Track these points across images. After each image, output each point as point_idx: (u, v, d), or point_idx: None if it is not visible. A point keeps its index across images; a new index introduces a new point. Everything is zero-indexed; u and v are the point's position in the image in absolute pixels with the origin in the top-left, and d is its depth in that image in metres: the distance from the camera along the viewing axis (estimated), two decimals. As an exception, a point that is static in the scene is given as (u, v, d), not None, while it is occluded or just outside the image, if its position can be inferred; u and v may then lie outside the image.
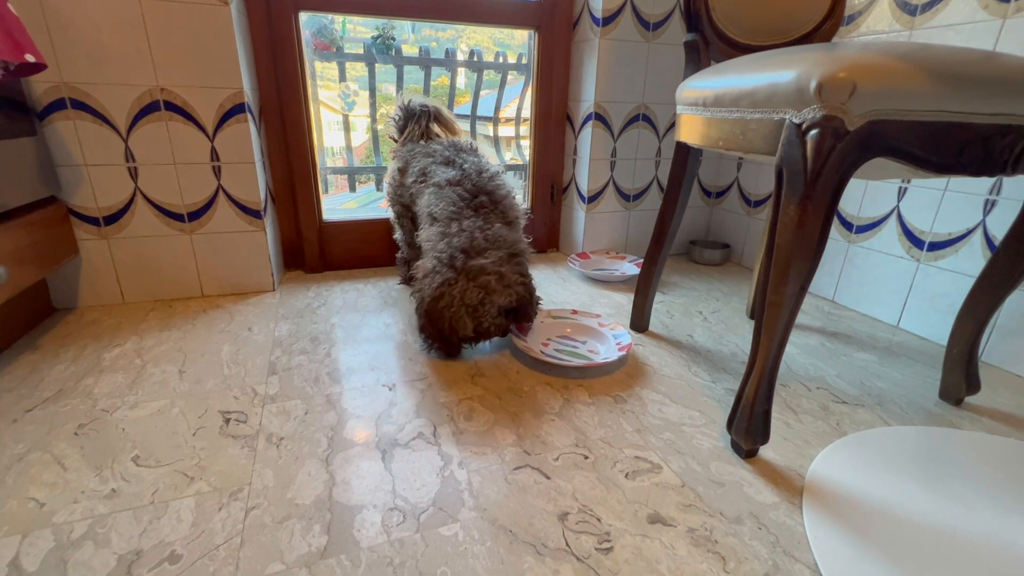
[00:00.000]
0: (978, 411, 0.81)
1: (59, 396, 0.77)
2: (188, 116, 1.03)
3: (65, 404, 0.75)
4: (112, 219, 1.05)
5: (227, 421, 0.72)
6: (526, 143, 1.56)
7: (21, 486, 0.60)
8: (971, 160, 0.56)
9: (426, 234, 0.92)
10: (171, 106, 1.02)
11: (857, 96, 0.50)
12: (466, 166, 0.99)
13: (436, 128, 1.19)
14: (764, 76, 0.60)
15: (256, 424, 0.72)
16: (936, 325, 1.03)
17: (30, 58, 0.79)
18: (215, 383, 0.82)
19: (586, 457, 0.67)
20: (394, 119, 1.19)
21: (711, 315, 1.14)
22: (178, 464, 0.64)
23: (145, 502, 0.58)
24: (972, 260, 0.96)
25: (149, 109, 1.01)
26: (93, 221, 1.04)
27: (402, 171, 1.11)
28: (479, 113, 1.90)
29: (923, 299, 1.05)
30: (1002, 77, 0.54)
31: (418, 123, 1.16)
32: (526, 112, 1.52)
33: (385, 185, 1.19)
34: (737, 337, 1.04)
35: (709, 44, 0.85)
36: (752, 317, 1.13)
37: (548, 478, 0.63)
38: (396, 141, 1.19)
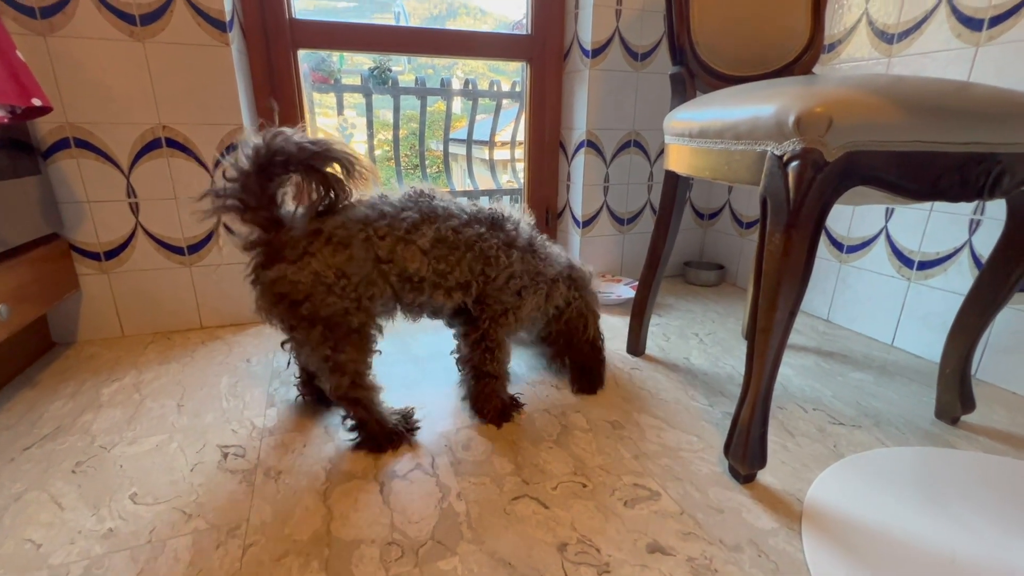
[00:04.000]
0: (974, 430, 0.81)
1: (57, 433, 0.77)
2: (189, 152, 1.06)
3: (63, 441, 0.75)
4: (113, 254, 1.07)
5: (225, 455, 0.72)
6: (520, 165, 1.59)
7: (18, 527, 0.60)
8: (948, 186, 0.58)
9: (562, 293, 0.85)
10: (172, 143, 1.04)
11: (834, 129, 0.52)
12: (512, 226, 0.81)
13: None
14: (746, 109, 0.62)
15: (254, 458, 0.72)
16: (930, 343, 1.04)
17: (36, 102, 0.82)
18: (213, 416, 0.82)
19: (584, 485, 0.67)
20: (241, 171, 0.64)
21: (707, 337, 1.15)
22: (176, 501, 0.64)
23: (142, 541, 0.58)
24: (961, 278, 0.97)
25: (151, 146, 1.03)
26: (94, 256, 1.06)
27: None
28: (475, 137, 1.95)
29: (915, 317, 1.06)
30: (973, 108, 0.56)
31: (315, 181, 0.67)
32: (521, 136, 1.55)
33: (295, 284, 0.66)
34: (733, 359, 1.04)
35: (694, 76, 0.89)
36: (747, 337, 1.14)
37: (546, 508, 0.63)
38: (242, 210, 0.67)
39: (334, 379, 0.71)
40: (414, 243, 0.71)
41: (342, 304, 0.68)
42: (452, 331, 0.86)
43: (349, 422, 0.74)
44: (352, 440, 0.75)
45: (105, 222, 1.05)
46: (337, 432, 0.78)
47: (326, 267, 0.67)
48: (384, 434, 0.74)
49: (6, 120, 0.81)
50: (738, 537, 0.59)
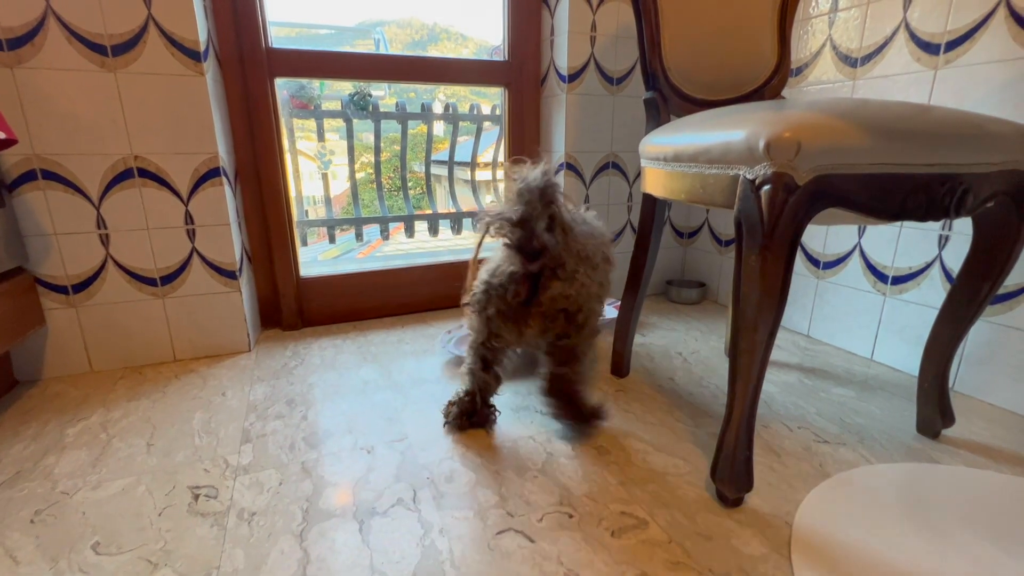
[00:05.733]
0: (956, 444, 0.81)
1: (16, 479, 0.73)
2: (162, 182, 1.04)
3: (22, 488, 0.71)
4: (81, 287, 1.03)
5: (196, 497, 0.69)
6: (503, 186, 1.60)
7: (-33, 586, 0.56)
8: (915, 207, 0.59)
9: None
10: (145, 173, 1.03)
11: (803, 154, 0.53)
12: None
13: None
14: (718, 134, 0.63)
15: (227, 499, 0.69)
16: (907, 356, 1.05)
17: (0, 135, 0.79)
18: (185, 455, 0.78)
19: (571, 516, 0.66)
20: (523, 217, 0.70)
21: (690, 356, 1.15)
22: (142, 549, 0.60)
23: (103, 596, 0.54)
24: (934, 292, 0.99)
25: (122, 177, 1.01)
26: (61, 290, 1.02)
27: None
28: (457, 159, 1.96)
29: (893, 331, 1.07)
30: (934, 130, 0.58)
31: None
32: (502, 157, 1.56)
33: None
34: (717, 378, 1.04)
35: (667, 101, 0.90)
36: (730, 358, 1.14)
37: (532, 541, 0.62)
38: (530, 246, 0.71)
39: (583, 374, 0.83)
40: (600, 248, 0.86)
41: (599, 309, 0.83)
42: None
43: (555, 410, 0.83)
44: (572, 423, 0.84)
45: (73, 254, 1.02)
46: (315, 468, 0.75)
47: (589, 280, 0.78)
48: (595, 412, 0.84)
49: (-32, 153, 0.79)
50: (728, 565, 0.58)
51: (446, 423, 0.86)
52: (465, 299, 0.82)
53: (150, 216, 1.05)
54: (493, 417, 0.87)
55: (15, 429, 0.86)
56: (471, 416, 0.85)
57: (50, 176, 0.97)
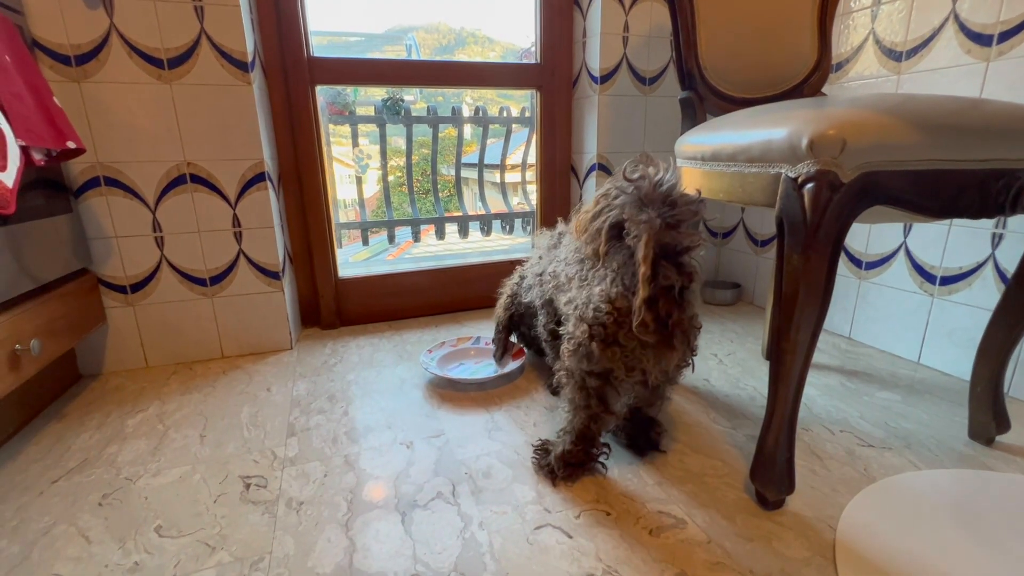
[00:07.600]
0: (1011, 450, 0.78)
1: (84, 466, 0.78)
2: (212, 187, 1.09)
3: (89, 474, 0.76)
4: (138, 287, 1.10)
5: (247, 486, 0.73)
6: (532, 187, 1.61)
7: (47, 561, 0.60)
8: (968, 204, 0.57)
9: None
10: (196, 178, 1.08)
11: (848, 151, 0.52)
12: None
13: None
14: (757, 133, 0.62)
15: (276, 488, 0.72)
16: (958, 360, 1.01)
17: (71, 144, 0.85)
18: (235, 447, 0.82)
19: (608, 513, 0.66)
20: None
21: (726, 357, 1.13)
22: (200, 533, 0.64)
23: (167, 575, 0.58)
24: (986, 293, 0.95)
25: (176, 182, 1.07)
26: (120, 289, 1.09)
27: None
28: (486, 161, 1.98)
29: (941, 334, 1.03)
30: (987, 124, 0.56)
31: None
32: (531, 158, 1.57)
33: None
34: (754, 380, 1.03)
35: (704, 100, 0.90)
36: (768, 358, 1.12)
37: (570, 537, 0.62)
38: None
39: (663, 408, 0.82)
40: None
41: None
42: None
43: (629, 440, 0.80)
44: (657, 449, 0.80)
45: (132, 256, 1.08)
46: (357, 461, 0.78)
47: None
48: (661, 436, 0.81)
49: (43, 162, 0.85)
50: (769, 568, 0.58)
51: (556, 479, 0.72)
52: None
53: (201, 219, 1.10)
54: (605, 456, 0.75)
55: (81, 420, 0.92)
56: (584, 465, 0.73)
57: (112, 183, 1.03)
